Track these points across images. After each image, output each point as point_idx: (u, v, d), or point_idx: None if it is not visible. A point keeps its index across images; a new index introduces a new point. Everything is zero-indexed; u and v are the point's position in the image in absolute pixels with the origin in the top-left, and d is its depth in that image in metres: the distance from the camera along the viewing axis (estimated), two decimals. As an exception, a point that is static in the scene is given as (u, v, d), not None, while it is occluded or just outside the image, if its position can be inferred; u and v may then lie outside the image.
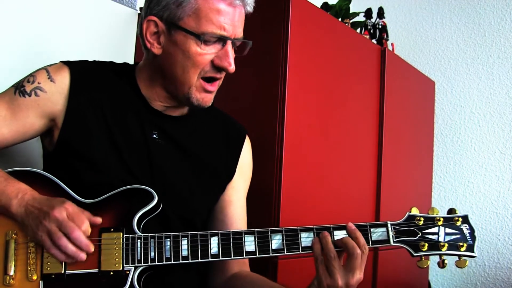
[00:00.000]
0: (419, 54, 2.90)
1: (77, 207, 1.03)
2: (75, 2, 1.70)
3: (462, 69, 2.78)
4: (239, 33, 1.15)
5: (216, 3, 1.10)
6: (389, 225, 1.09)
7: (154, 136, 1.19)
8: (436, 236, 1.08)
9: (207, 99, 1.17)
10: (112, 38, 1.80)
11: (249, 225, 1.31)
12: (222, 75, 1.17)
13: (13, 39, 1.53)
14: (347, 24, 2.17)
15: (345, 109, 1.94)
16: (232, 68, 1.14)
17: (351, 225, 1.08)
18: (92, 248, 1.01)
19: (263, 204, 1.56)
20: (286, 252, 1.07)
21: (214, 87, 1.17)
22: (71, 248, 0.99)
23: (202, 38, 1.10)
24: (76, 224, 0.99)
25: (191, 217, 1.22)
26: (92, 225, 1.03)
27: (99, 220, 1.04)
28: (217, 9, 1.10)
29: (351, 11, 2.26)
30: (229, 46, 1.13)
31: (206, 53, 1.11)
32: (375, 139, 2.13)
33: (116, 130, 1.16)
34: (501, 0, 2.71)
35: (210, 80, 1.15)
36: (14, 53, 1.52)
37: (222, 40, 1.12)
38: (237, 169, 1.31)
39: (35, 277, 1.02)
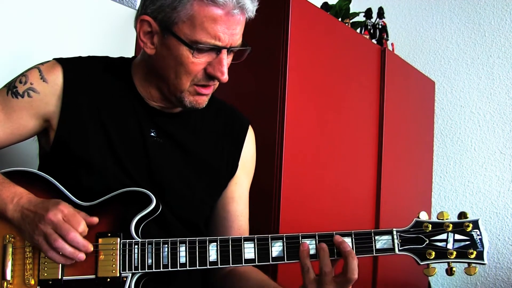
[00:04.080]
0: (419, 54, 2.90)
1: (72, 208, 1.00)
2: (75, 2, 1.70)
3: (462, 69, 2.77)
4: (236, 40, 1.08)
5: (213, 10, 1.03)
6: (394, 232, 1.04)
7: (152, 134, 1.16)
8: (445, 243, 1.04)
9: (201, 101, 1.13)
10: (112, 38, 1.80)
11: (249, 225, 1.31)
12: (216, 83, 1.13)
13: (13, 39, 1.53)
14: (347, 24, 2.17)
15: (345, 109, 1.94)
16: (225, 78, 1.09)
17: (338, 238, 1.04)
18: (90, 248, 0.99)
19: (263, 204, 1.56)
20: (287, 260, 1.04)
21: (208, 91, 1.13)
22: (68, 249, 0.97)
23: (195, 47, 1.04)
24: (72, 225, 0.97)
25: (193, 218, 1.20)
26: (89, 225, 1.01)
27: (95, 220, 1.02)
28: (213, 18, 1.03)
29: (351, 11, 2.26)
30: (223, 55, 1.07)
31: (199, 62, 1.07)
32: (375, 139, 2.13)
33: (113, 130, 1.13)
34: (501, 0, 2.70)
35: (203, 85, 1.11)
36: (14, 53, 1.52)
37: (216, 49, 1.07)
38: (239, 164, 1.28)
39: (32, 282, 1.01)
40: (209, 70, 1.08)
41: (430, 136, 2.75)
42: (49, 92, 1.11)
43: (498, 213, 2.59)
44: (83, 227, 0.99)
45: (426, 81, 2.68)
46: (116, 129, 1.13)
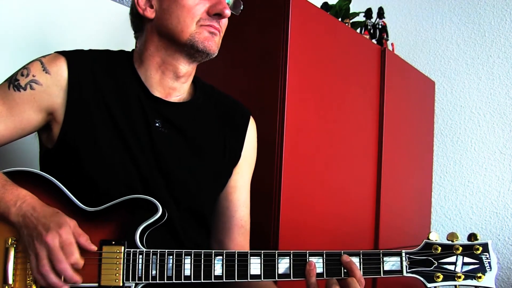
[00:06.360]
0: (419, 54, 2.90)
1: (72, 235, 0.96)
2: (75, 2, 1.70)
3: (462, 69, 2.77)
4: None
5: None
6: (403, 254, 1.03)
7: (157, 125, 1.15)
8: (453, 266, 1.02)
9: (211, 41, 1.14)
10: (112, 38, 1.80)
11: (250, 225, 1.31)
12: (220, 24, 1.15)
13: (13, 39, 1.53)
14: (347, 24, 2.17)
15: (345, 109, 1.94)
16: (227, 11, 1.13)
17: (346, 257, 1.02)
18: (79, 281, 0.96)
19: (263, 204, 1.56)
20: (293, 278, 1.02)
21: (216, 30, 1.14)
22: (52, 279, 0.94)
23: None
24: (66, 254, 0.94)
25: (199, 209, 1.20)
26: (87, 250, 0.98)
27: (93, 248, 0.99)
28: None
29: (351, 11, 2.26)
30: None
31: (200, 2, 1.11)
32: (375, 139, 2.13)
33: (121, 120, 1.12)
34: (501, 0, 2.70)
35: (209, 26, 1.14)
36: (14, 53, 1.52)
37: None
38: (242, 153, 1.29)
39: None
40: (211, 10, 1.12)
41: (430, 136, 2.75)
42: (52, 84, 1.10)
43: (498, 213, 2.59)
44: (75, 259, 0.95)
45: (426, 81, 2.68)
46: (124, 119, 1.12)
